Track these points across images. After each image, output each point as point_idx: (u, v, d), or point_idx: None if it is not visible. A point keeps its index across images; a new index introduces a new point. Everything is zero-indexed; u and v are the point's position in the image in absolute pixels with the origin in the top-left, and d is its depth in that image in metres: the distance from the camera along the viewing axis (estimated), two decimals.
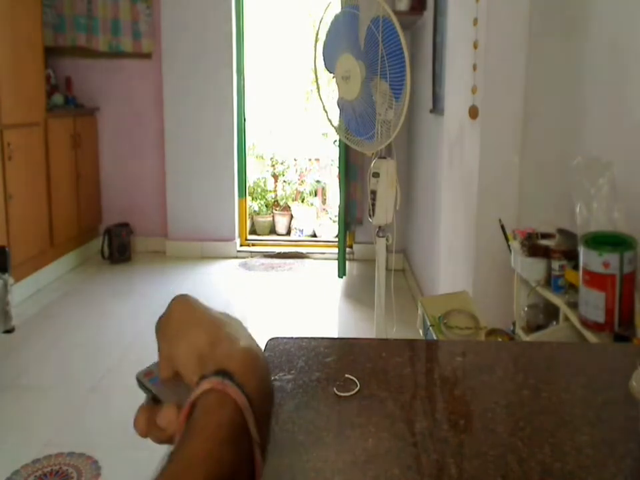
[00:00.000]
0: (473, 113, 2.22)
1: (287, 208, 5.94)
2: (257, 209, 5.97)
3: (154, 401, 0.43)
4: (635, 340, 1.30)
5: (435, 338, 1.77)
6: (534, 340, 1.68)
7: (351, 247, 4.76)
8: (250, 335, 0.42)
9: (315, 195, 6.24)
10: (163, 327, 0.43)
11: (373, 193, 2.38)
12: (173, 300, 0.44)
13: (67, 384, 2.67)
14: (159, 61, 4.67)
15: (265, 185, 6.18)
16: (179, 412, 0.39)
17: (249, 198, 5.48)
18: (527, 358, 0.85)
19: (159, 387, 0.43)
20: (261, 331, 3.45)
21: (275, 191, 6.24)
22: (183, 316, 0.42)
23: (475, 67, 2.20)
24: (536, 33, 2.10)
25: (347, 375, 0.75)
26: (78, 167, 4.42)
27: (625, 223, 1.43)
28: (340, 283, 4.22)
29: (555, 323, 1.72)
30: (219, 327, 0.41)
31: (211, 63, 4.63)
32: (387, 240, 2.42)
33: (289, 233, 5.79)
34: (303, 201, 6.23)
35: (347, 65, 2.25)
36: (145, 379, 0.45)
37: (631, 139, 1.60)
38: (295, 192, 6.26)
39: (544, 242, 1.75)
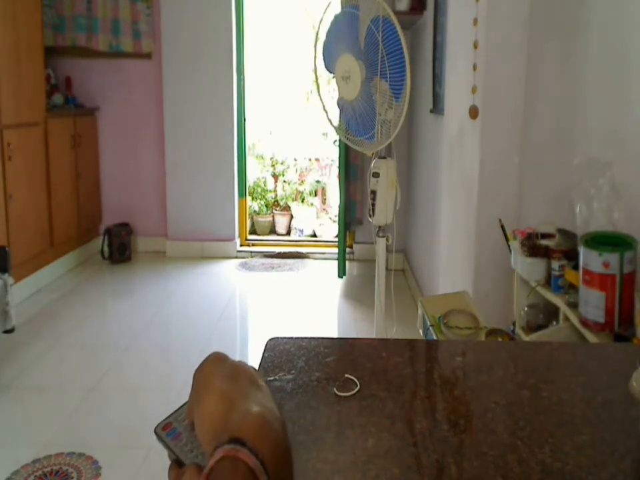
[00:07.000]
0: (473, 113, 2.22)
1: (287, 208, 5.94)
2: (257, 208, 5.97)
3: (177, 463, 0.44)
4: (634, 340, 1.30)
5: (435, 338, 1.77)
6: (534, 340, 1.68)
7: (351, 246, 4.76)
8: (264, 400, 0.44)
9: (315, 195, 6.24)
10: (197, 375, 0.46)
11: (373, 192, 2.37)
12: (210, 355, 0.48)
13: (66, 384, 2.67)
14: (159, 61, 4.67)
15: (265, 185, 6.18)
16: (199, 472, 0.41)
17: (249, 198, 5.48)
18: (527, 358, 0.85)
19: (177, 443, 0.44)
20: (261, 331, 3.46)
21: (275, 191, 6.24)
22: (209, 373, 0.46)
23: (475, 67, 2.20)
24: (536, 32, 2.10)
25: (347, 375, 0.75)
26: (78, 167, 4.41)
27: (625, 223, 1.43)
28: (340, 283, 4.22)
29: (555, 323, 1.72)
30: (234, 398, 0.43)
31: (210, 63, 4.63)
32: (387, 240, 2.42)
33: (288, 233, 5.79)
34: (303, 201, 6.23)
35: (347, 65, 2.25)
36: (162, 433, 0.45)
37: (631, 139, 1.60)
38: (295, 192, 6.26)
39: (544, 242, 1.75)
